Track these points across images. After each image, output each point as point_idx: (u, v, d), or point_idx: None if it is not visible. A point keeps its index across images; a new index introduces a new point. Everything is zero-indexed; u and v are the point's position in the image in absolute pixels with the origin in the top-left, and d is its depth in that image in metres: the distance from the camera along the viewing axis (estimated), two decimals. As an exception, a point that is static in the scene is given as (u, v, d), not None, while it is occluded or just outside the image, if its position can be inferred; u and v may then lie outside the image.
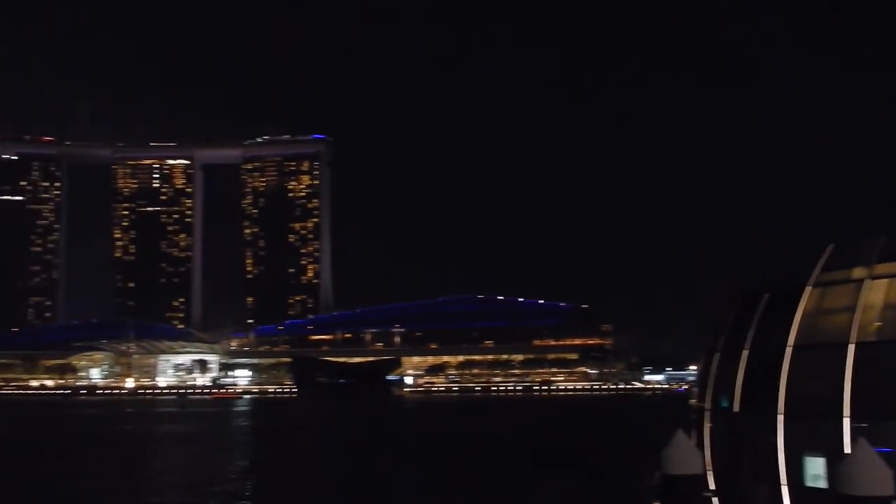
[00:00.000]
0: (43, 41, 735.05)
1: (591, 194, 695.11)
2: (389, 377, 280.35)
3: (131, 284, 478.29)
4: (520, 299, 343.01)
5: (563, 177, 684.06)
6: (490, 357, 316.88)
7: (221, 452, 58.25)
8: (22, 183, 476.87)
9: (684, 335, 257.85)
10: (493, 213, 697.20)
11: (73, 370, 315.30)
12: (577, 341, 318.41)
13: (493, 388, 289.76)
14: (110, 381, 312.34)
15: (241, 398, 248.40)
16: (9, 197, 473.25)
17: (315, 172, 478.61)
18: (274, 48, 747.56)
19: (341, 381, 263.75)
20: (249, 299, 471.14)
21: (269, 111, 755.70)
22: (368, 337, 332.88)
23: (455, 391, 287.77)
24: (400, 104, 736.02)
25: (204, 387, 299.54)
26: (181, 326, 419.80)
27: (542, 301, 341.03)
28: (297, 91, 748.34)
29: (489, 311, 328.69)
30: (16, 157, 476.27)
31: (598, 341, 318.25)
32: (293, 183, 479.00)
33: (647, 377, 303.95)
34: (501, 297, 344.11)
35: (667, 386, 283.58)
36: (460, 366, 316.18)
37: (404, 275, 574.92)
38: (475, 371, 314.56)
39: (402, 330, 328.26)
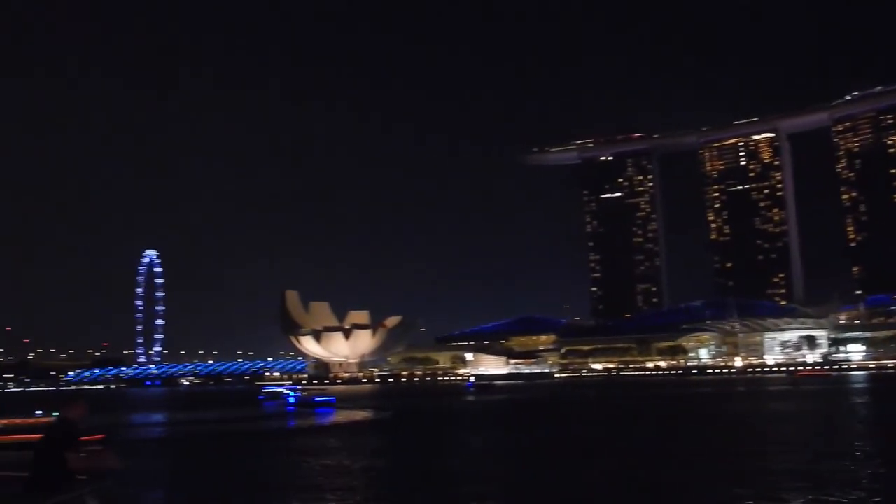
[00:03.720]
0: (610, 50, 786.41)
1: None
2: None
3: (728, 265, 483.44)
4: None
5: None
6: None
7: (837, 433, 54.02)
8: (619, 180, 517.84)
9: None
10: None
11: (683, 351, 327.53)
12: None
13: None
14: (718, 361, 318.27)
15: (831, 376, 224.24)
16: (609, 194, 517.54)
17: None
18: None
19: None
20: (855, 269, 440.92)
21: (853, 65, 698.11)
22: None
23: None
24: None
25: (815, 363, 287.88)
26: (783, 303, 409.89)
27: None
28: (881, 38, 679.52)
29: None
30: (612, 157, 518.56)
31: None
32: (893, 137, 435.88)
33: None
34: None
35: None
36: None
37: None
38: None
39: None
